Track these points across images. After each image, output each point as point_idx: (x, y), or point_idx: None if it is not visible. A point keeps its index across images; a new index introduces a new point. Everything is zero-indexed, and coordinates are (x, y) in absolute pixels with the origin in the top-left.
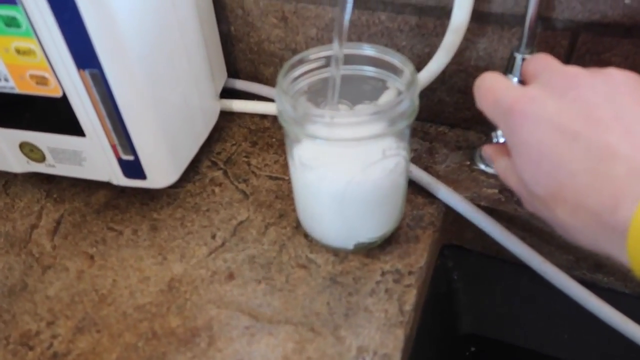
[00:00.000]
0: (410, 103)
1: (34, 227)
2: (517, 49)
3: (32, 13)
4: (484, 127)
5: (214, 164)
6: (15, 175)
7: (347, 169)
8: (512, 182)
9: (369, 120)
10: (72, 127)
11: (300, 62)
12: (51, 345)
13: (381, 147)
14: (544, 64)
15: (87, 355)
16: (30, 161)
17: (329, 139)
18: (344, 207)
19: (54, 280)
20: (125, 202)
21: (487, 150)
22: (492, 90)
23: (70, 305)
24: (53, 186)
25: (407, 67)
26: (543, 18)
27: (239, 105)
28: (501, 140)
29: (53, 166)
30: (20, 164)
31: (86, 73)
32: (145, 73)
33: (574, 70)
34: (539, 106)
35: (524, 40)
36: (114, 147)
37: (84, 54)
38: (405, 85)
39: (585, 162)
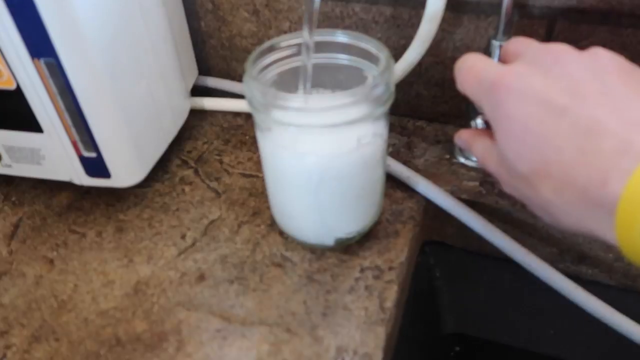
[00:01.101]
0: (385, 88)
1: None
2: (494, 37)
3: None
4: (462, 121)
5: (185, 162)
6: None
7: (320, 158)
8: (491, 164)
9: (343, 106)
10: (29, 122)
11: (271, 49)
12: (4, 356)
13: (356, 134)
14: (526, 43)
15: None
16: None
17: (301, 125)
18: (319, 199)
19: (9, 287)
20: (90, 204)
21: (462, 135)
22: (474, 68)
23: (27, 313)
24: (12, 189)
25: (383, 53)
26: (519, 5)
27: (210, 103)
28: (479, 127)
29: (9, 166)
30: None
31: (41, 62)
32: (106, 63)
33: (559, 47)
34: (524, 81)
35: (501, 28)
36: (74, 143)
37: (38, 42)
38: (380, 69)
39: (573, 137)
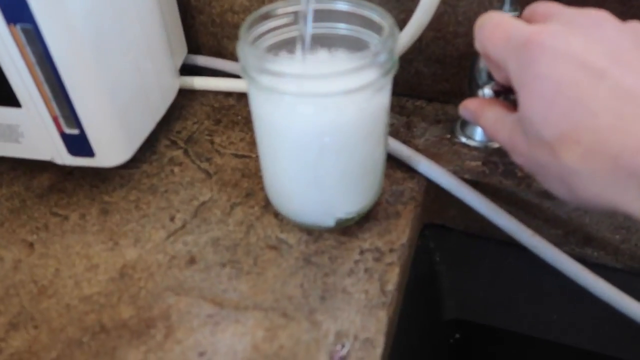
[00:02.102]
0: (389, 56)
1: None
2: (502, 8)
3: None
4: (464, 99)
5: (174, 143)
6: None
7: (319, 129)
8: (503, 134)
9: (344, 73)
10: (5, 95)
11: (266, 16)
12: None
13: (358, 105)
14: (558, 5)
15: (22, 354)
16: None
17: (298, 94)
18: (318, 175)
19: None
20: (73, 185)
21: (469, 105)
22: (502, 25)
23: (4, 299)
24: None
25: (386, 21)
26: None
27: (200, 83)
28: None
29: None
30: None
31: (17, 29)
32: (89, 30)
33: (599, 12)
34: (562, 39)
35: None
36: (55, 119)
37: (14, 5)
38: (384, 36)
39: (610, 102)
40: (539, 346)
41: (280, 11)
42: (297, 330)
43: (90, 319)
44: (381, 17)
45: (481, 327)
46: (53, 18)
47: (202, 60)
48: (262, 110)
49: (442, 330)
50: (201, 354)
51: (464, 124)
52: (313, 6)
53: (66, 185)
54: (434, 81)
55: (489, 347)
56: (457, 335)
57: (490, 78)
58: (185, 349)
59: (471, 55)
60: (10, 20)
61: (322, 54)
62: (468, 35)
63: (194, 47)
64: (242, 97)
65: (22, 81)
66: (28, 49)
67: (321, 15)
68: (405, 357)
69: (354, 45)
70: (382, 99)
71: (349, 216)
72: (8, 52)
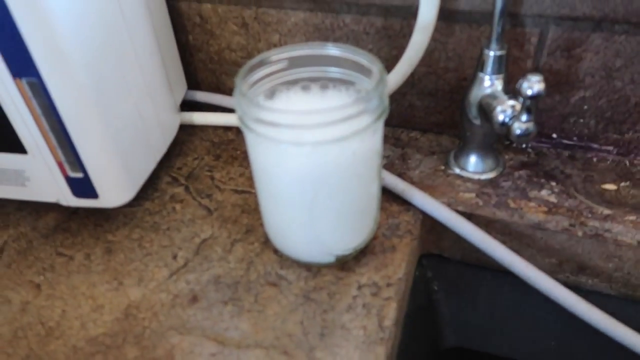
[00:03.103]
0: (379, 102)
1: None
2: (488, 46)
3: None
4: (456, 131)
5: (175, 179)
6: None
7: (314, 174)
8: None
9: (336, 122)
10: (12, 143)
11: (261, 64)
12: None
13: (350, 149)
14: None
15: None
16: None
17: (293, 142)
18: (314, 216)
19: None
20: (77, 225)
21: None
22: None
23: (12, 342)
24: None
25: (376, 66)
26: (511, 14)
27: (200, 118)
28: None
29: None
30: None
31: (23, 82)
32: (91, 81)
33: None
34: None
35: (494, 37)
36: (60, 164)
37: (19, 61)
38: (374, 83)
39: None
40: None
41: (274, 58)
42: None
43: None
44: (370, 62)
45: (481, 355)
46: (56, 71)
47: (202, 96)
48: (258, 155)
49: (442, 358)
50: None
51: (457, 155)
52: (306, 52)
53: (71, 225)
54: (427, 113)
55: None
56: None
57: (479, 110)
58: None
59: (462, 89)
60: (17, 74)
61: (316, 100)
62: (458, 70)
63: (193, 83)
64: (241, 131)
65: (28, 130)
66: (33, 101)
67: (313, 60)
68: None
69: (347, 86)
70: (374, 142)
71: (346, 252)
72: (14, 103)
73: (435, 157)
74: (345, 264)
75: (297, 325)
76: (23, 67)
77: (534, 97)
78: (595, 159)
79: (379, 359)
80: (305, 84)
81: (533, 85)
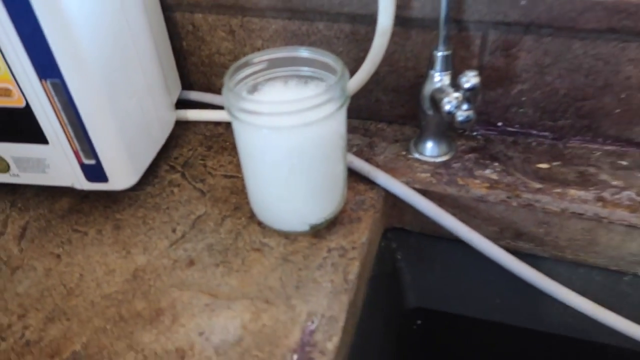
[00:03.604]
0: (341, 92)
1: (0, 234)
2: (436, 48)
3: None
4: (417, 122)
5: (172, 167)
6: None
7: (289, 153)
8: None
9: (307, 109)
10: (36, 135)
11: (245, 64)
12: (23, 335)
13: (319, 133)
14: None
15: (59, 340)
16: None
17: (272, 127)
18: (290, 190)
19: (23, 279)
20: (89, 207)
21: None
22: None
23: (40, 300)
24: (17, 197)
25: (338, 65)
26: (457, 20)
27: (193, 115)
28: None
29: (17, 175)
30: None
31: (48, 83)
32: (103, 82)
33: None
34: None
35: (441, 40)
36: (76, 152)
37: (45, 65)
38: (337, 77)
39: None
40: (486, 326)
41: (256, 60)
42: (276, 312)
43: (111, 312)
44: (334, 62)
45: (438, 313)
46: (76, 73)
47: (195, 95)
48: (243, 140)
49: (406, 318)
50: (201, 334)
51: (417, 142)
52: (282, 54)
53: (83, 207)
54: (392, 107)
55: (446, 330)
56: (419, 322)
57: (431, 102)
58: (188, 330)
59: (419, 85)
60: (42, 76)
61: (291, 92)
62: (416, 69)
63: (187, 84)
64: (230, 125)
65: (50, 124)
66: (56, 99)
67: (289, 61)
68: (375, 341)
69: (316, 82)
70: (338, 126)
71: (319, 221)
72: (40, 101)
73: (399, 144)
74: (318, 232)
75: (277, 280)
76: (48, 70)
77: (471, 89)
78: (534, 143)
79: (343, 304)
80: (282, 80)
81: (470, 79)
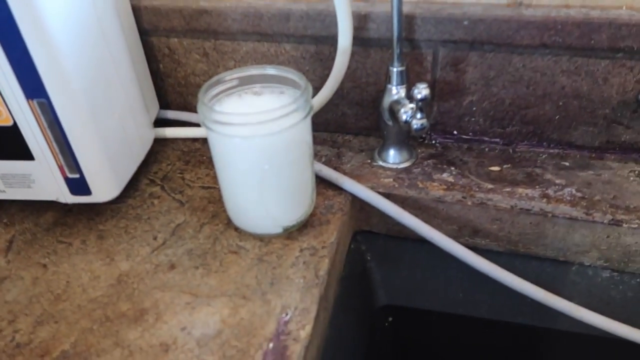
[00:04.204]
0: (305, 104)
1: None
2: (392, 64)
3: None
4: (380, 133)
5: (152, 181)
6: None
7: (260, 161)
8: None
9: (275, 119)
10: (22, 152)
11: (217, 82)
12: (13, 338)
13: (286, 141)
14: None
15: (48, 341)
16: None
17: (243, 136)
18: (263, 195)
19: (11, 287)
20: (73, 219)
21: None
22: None
23: (29, 306)
24: (2, 212)
25: (302, 80)
26: (409, 39)
27: (171, 132)
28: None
29: (3, 191)
30: None
31: (35, 103)
32: (87, 102)
33: None
34: None
35: (395, 57)
36: (60, 167)
37: (32, 86)
38: (301, 91)
39: None
40: (452, 319)
41: (227, 77)
42: (253, 307)
43: (97, 314)
44: (299, 78)
45: (407, 309)
46: (62, 94)
47: (172, 114)
48: (218, 149)
49: (377, 315)
50: (183, 329)
51: (380, 151)
52: (252, 72)
53: (67, 220)
54: (357, 120)
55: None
56: (390, 319)
57: (390, 113)
58: (171, 327)
59: (380, 98)
60: (29, 96)
61: (259, 105)
62: (377, 84)
63: (164, 103)
64: (206, 141)
65: (36, 141)
66: (42, 117)
67: (259, 78)
68: (348, 335)
69: (283, 96)
70: (304, 134)
71: (292, 223)
72: (27, 120)
73: (364, 153)
74: (290, 234)
75: (253, 278)
76: (35, 90)
77: (423, 100)
78: (487, 149)
79: (314, 297)
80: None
81: (421, 91)
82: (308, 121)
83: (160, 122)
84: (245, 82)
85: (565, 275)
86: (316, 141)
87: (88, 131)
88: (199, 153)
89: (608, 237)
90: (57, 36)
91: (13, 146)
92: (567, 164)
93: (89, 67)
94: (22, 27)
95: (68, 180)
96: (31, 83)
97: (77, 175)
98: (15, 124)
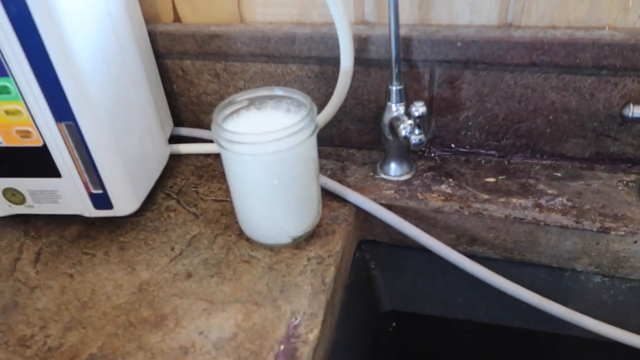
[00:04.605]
0: (310, 122)
1: (17, 259)
2: (391, 83)
3: (21, 82)
4: (382, 146)
5: (168, 195)
6: None
7: (269, 176)
8: None
9: (282, 138)
10: (50, 170)
11: (230, 103)
12: (45, 343)
13: (294, 158)
14: None
15: (77, 345)
16: (11, 204)
17: (254, 154)
18: (271, 206)
19: (41, 296)
20: (96, 232)
21: None
22: None
23: (58, 313)
24: (30, 226)
25: (307, 100)
26: (407, 60)
27: (185, 148)
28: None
29: (32, 207)
30: (2, 209)
31: (63, 125)
32: (110, 123)
33: None
34: None
35: (394, 76)
36: (85, 184)
37: (61, 110)
38: (307, 111)
39: None
40: (452, 324)
41: (238, 99)
42: (265, 312)
43: (121, 319)
44: (304, 99)
45: (411, 315)
46: (87, 116)
47: (185, 131)
48: (230, 166)
49: (382, 320)
50: (200, 333)
51: (382, 164)
52: (261, 93)
53: (90, 233)
54: (360, 134)
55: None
56: (394, 324)
57: (390, 129)
58: (190, 331)
59: (381, 115)
60: (58, 119)
61: (268, 122)
62: (377, 101)
63: (178, 121)
64: (218, 156)
65: (63, 160)
66: (69, 138)
67: (267, 98)
68: (353, 340)
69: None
70: (310, 151)
71: (299, 234)
72: (55, 141)
73: (367, 166)
74: (298, 244)
75: (264, 286)
76: (64, 114)
77: (420, 117)
78: (483, 161)
79: (321, 303)
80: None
81: (418, 108)
82: (313, 139)
83: (174, 139)
84: (255, 102)
85: (559, 281)
86: (321, 155)
87: (111, 150)
88: (211, 168)
89: (597, 244)
90: (84, 65)
91: (42, 165)
92: (559, 174)
93: (111, 91)
94: (53, 57)
95: (92, 196)
96: (60, 107)
97: (100, 191)
98: (44, 144)
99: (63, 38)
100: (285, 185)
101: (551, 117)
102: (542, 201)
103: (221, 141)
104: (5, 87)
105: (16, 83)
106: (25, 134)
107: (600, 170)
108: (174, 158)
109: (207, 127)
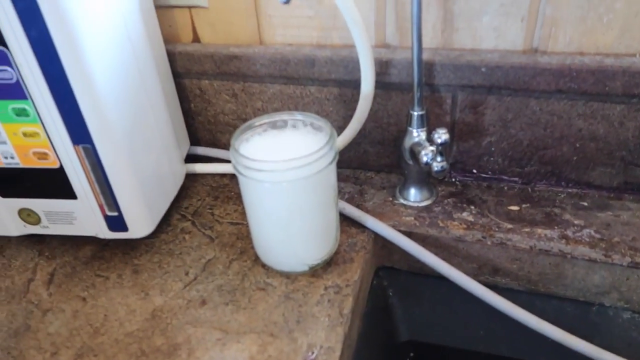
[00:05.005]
0: (330, 150)
1: (30, 280)
2: (412, 108)
3: (39, 105)
4: (402, 170)
5: (183, 216)
6: (9, 239)
7: (287, 203)
8: None
9: (303, 166)
10: (66, 192)
11: (248, 127)
12: None
13: (313, 186)
14: None
15: None
16: (27, 225)
17: (272, 182)
18: (289, 234)
19: (53, 320)
20: (110, 254)
21: None
22: None
23: (70, 338)
24: (44, 246)
25: (327, 126)
26: (429, 84)
27: (201, 168)
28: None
29: (47, 227)
30: (17, 228)
31: (80, 148)
32: (127, 145)
33: None
34: None
35: (415, 101)
36: (100, 206)
37: (79, 132)
38: (327, 138)
39: None
40: (473, 356)
41: (257, 123)
42: (280, 344)
43: (133, 348)
44: (324, 124)
45: (429, 345)
46: (105, 139)
47: (202, 150)
48: (248, 192)
49: (399, 350)
50: None
51: (401, 189)
52: (281, 117)
53: (104, 254)
54: (379, 157)
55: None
56: (412, 354)
57: (411, 154)
58: None
59: (401, 138)
60: (76, 142)
61: (287, 150)
62: (397, 124)
63: (194, 140)
64: (234, 177)
65: (79, 182)
66: (86, 161)
67: (286, 122)
68: None
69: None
70: (329, 179)
71: (317, 262)
72: (72, 163)
73: (385, 191)
74: (315, 272)
75: (280, 316)
76: (81, 137)
77: (443, 144)
78: (505, 188)
79: (338, 336)
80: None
81: (441, 135)
82: (333, 166)
83: (190, 158)
84: (274, 126)
85: (586, 316)
86: (339, 177)
87: (127, 173)
88: (227, 189)
89: (628, 279)
90: (103, 89)
91: (58, 186)
92: (585, 204)
93: (129, 113)
94: (72, 82)
95: (107, 218)
96: (78, 130)
97: (115, 213)
98: (61, 166)
99: (83, 63)
100: (303, 213)
101: (578, 145)
102: (569, 232)
103: (239, 167)
104: (24, 109)
105: (35, 106)
106: (42, 156)
107: (629, 201)
108: (190, 178)
109: (224, 146)
